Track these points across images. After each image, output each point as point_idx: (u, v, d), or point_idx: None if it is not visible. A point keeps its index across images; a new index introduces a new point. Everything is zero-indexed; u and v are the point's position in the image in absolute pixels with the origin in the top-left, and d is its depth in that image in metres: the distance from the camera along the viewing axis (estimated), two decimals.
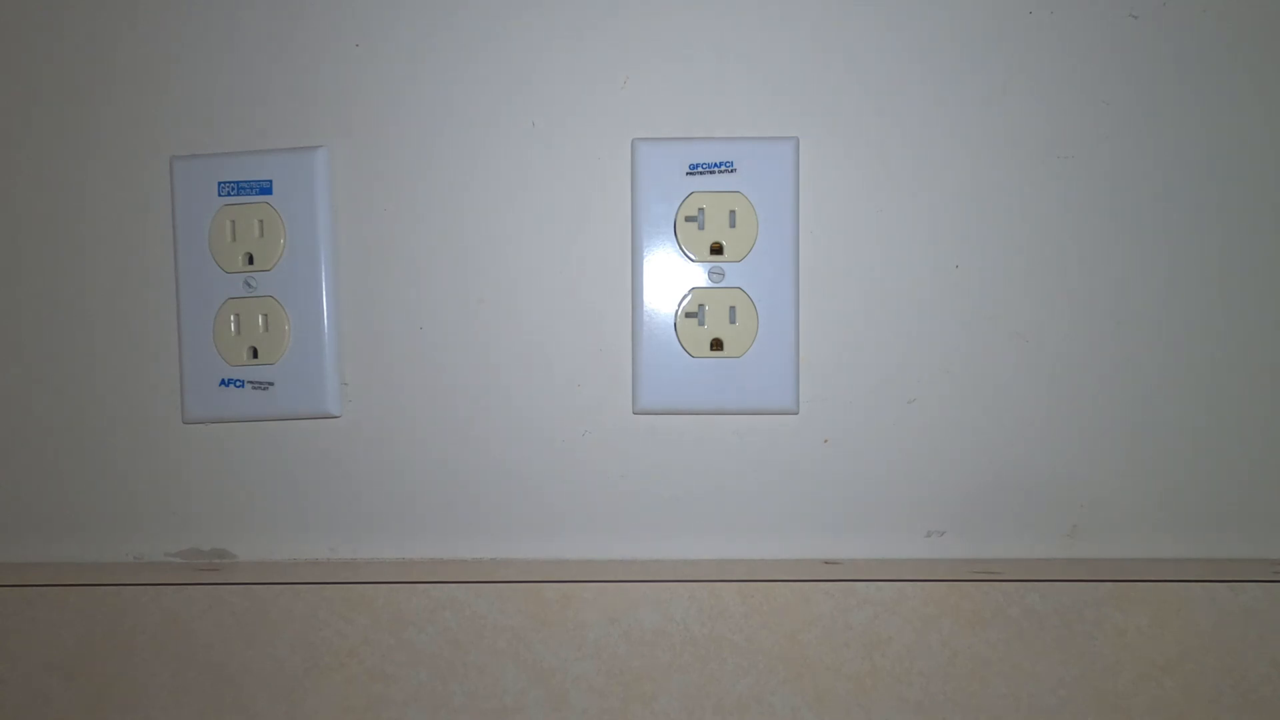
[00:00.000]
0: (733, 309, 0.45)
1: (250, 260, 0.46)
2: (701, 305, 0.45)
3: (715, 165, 0.44)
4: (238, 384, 0.46)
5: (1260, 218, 0.45)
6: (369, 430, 0.47)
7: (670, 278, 0.45)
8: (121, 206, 0.48)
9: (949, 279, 0.45)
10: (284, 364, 0.46)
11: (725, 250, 0.45)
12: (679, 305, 0.45)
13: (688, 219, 0.45)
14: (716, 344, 0.45)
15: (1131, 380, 0.45)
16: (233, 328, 0.46)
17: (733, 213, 0.44)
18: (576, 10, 0.46)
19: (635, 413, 0.46)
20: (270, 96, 0.47)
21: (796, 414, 0.46)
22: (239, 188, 0.46)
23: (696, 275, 0.45)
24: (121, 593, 0.46)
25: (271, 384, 0.46)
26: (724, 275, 0.45)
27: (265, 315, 0.46)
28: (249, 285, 0.46)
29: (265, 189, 0.46)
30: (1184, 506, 0.45)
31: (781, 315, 0.45)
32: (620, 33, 0.45)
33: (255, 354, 0.46)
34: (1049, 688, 0.44)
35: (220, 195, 0.46)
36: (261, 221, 0.46)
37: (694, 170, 0.44)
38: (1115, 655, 0.44)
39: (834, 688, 0.44)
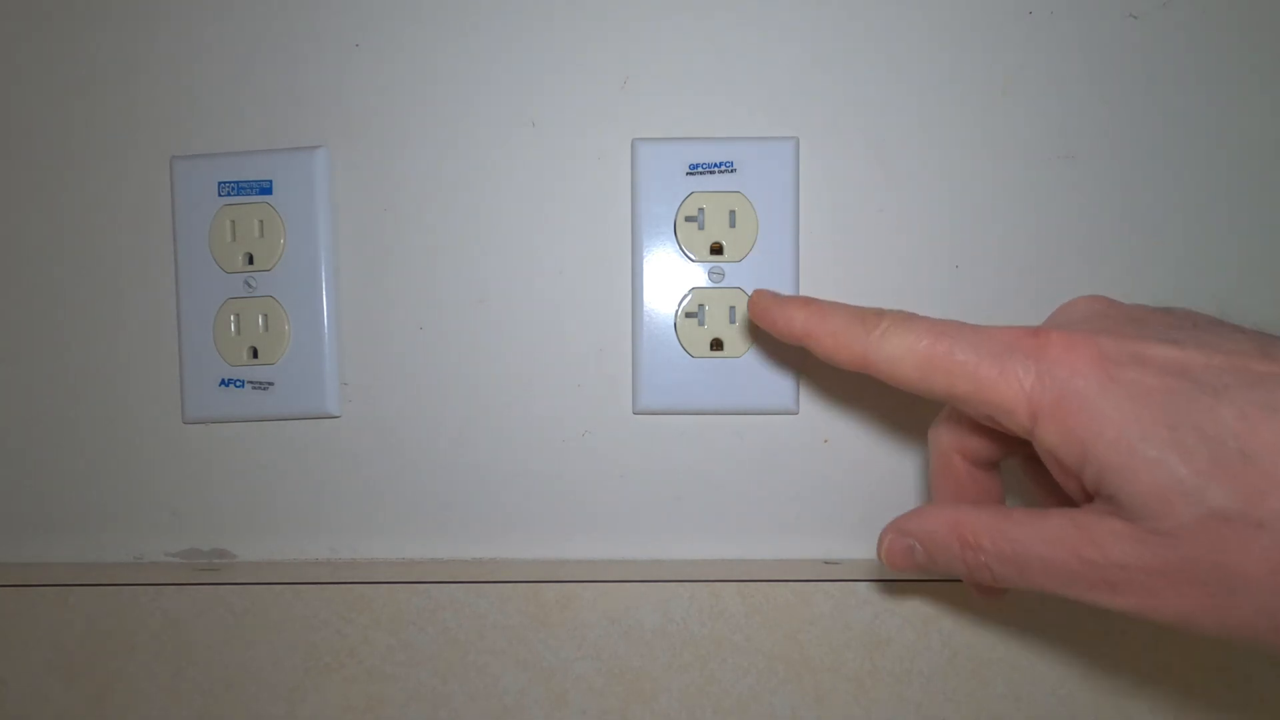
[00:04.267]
0: (733, 309, 0.45)
1: (250, 260, 0.46)
2: (701, 305, 0.45)
3: (715, 165, 0.44)
4: (238, 384, 0.46)
5: (1262, 218, 0.45)
6: (369, 430, 0.47)
7: (670, 278, 0.45)
8: (121, 206, 0.48)
9: (949, 279, 0.45)
10: (284, 364, 0.46)
11: (725, 250, 0.45)
12: (679, 305, 0.45)
13: (688, 219, 0.45)
14: (716, 344, 0.45)
15: None
16: (233, 328, 0.46)
17: (733, 213, 0.44)
18: (577, 10, 0.46)
19: (635, 413, 0.46)
20: (270, 96, 0.47)
21: (796, 414, 0.46)
22: (239, 188, 0.46)
23: (696, 275, 0.45)
24: (121, 593, 0.46)
25: (271, 384, 0.46)
26: (724, 275, 0.45)
27: (265, 315, 0.46)
28: (249, 285, 0.46)
29: (265, 189, 0.46)
30: None
31: None
32: (620, 33, 0.45)
33: (255, 354, 0.46)
34: (1049, 688, 0.44)
35: (220, 195, 0.46)
36: (261, 221, 0.46)
37: (694, 170, 0.44)
38: (1115, 655, 0.44)
39: (834, 688, 0.44)
